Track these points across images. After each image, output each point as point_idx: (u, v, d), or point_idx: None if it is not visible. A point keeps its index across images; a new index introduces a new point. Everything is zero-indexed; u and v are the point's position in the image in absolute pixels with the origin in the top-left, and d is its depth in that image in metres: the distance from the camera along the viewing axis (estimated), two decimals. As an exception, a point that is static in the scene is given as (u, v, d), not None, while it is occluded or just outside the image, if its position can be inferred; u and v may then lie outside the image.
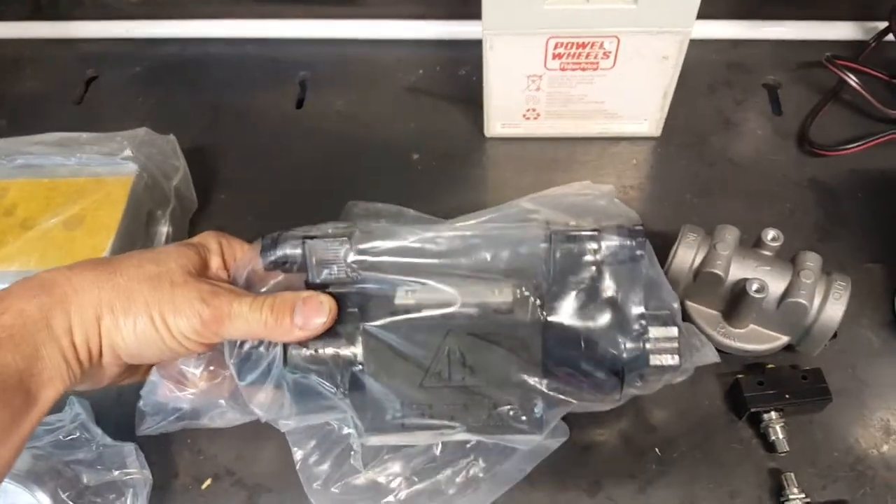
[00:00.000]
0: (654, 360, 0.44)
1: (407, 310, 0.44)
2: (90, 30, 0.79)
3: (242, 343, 0.44)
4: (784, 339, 0.54)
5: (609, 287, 0.45)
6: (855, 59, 0.69)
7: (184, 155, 0.64)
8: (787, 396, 0.52)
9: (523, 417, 0.44)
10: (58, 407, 0.53)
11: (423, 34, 0.76)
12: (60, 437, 0.51)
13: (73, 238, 0.55)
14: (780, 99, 0.71)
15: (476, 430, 0.44)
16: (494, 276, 0.45)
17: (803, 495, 0.49)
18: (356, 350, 0.44)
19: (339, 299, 0.44)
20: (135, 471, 0.51)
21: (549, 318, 0.44)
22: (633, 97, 0.64)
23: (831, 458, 0.52)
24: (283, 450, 0.54)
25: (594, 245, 0.45)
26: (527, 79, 0.63)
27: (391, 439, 0.46)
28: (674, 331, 0.45)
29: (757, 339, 0.54)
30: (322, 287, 0.45)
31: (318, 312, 0.43)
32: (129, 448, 0.52)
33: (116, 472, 0.51)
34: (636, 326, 0.45)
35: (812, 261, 0.52)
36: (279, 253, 0.45)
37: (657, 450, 0.53)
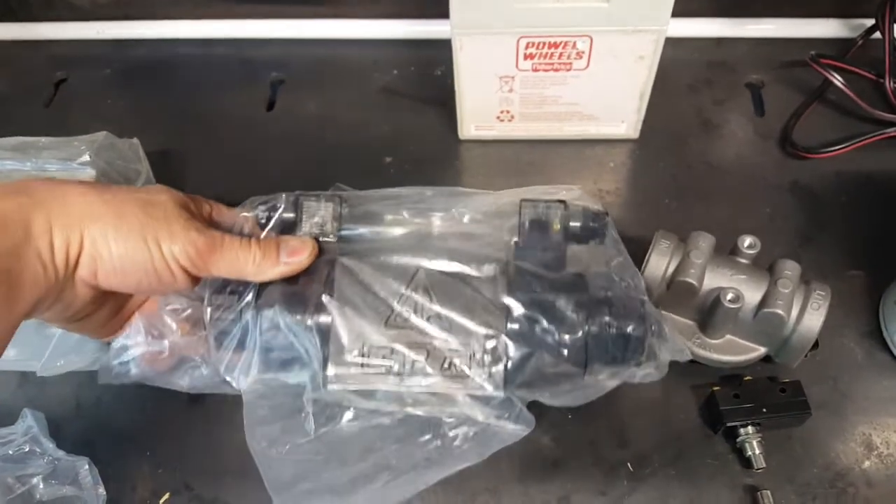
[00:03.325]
0: (619, 327, 0.44)
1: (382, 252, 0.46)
2: (60, 31, 0.77)
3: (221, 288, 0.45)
4: (761, 351, 0.52)
5: (574, 261, 0.47)
6: (841, 58, 0.67)
7: (151, 158, 0.62)
8: (764, 410, 0.50)
9: (484, 371, 0.44)
10: (9, 420, 0.52)
11: (398, 34, 0.74)
12: (10, 451, 0.50)
13: (27, 245, 0.53)
14: (763, 99, 0.69)
15: (436, 375, 0.44)
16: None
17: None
18: (329, 286, 0.45)
19: (322, 247, 0.47)
20: (88, 486, 0.50)
21: (516, 277, 0.45)
22: (609, 98, 0.62)
23: (810, 475, 0.50)
24: (243, 464, 0.52)
25: (560, 212, 0.47)
26: (499, 80, 0.61)
27: (351, 382, 0.45)
28: (637, 302, 0.45)
29: (734, 349, 0.53)
30: None
31: (301, 249, 0.45)
32: (83, 462, 0.50)
33: (69, 487, 0.50)
34: (600, 295, 0.45)
35: (790, 269, 0.50)
36: (271, 205, 0.47)
37: (629, 465, 0.51)
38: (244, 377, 0.45)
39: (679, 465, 0.51)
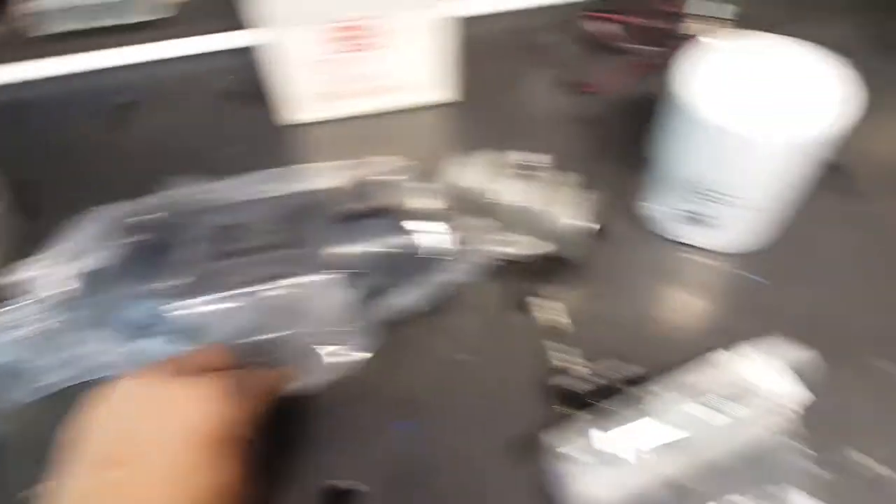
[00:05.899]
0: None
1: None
2: None
3: None
4: (549, 247, 0.61)
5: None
6: (606, 11, 0.81)
7: (10, 186, 0.67)
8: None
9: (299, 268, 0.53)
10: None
11: (225, 45, 0.83)
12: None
13: None
14: (556, 54, 0.81)
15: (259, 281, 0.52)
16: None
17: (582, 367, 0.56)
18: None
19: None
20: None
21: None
22: (416, 69, 0.71)
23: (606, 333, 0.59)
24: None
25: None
26: (312, 65, 0.69)
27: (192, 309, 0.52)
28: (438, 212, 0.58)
29: (524, 246, 0.61)
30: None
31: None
32: None
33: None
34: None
35: (565, 179, 0.60)
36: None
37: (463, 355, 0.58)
38: None
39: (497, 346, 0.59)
